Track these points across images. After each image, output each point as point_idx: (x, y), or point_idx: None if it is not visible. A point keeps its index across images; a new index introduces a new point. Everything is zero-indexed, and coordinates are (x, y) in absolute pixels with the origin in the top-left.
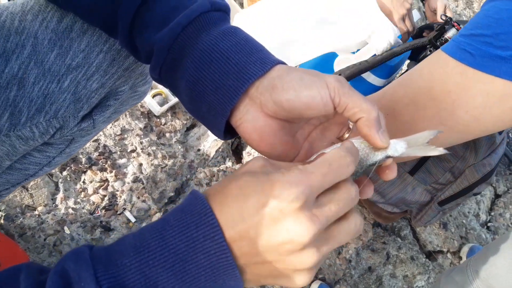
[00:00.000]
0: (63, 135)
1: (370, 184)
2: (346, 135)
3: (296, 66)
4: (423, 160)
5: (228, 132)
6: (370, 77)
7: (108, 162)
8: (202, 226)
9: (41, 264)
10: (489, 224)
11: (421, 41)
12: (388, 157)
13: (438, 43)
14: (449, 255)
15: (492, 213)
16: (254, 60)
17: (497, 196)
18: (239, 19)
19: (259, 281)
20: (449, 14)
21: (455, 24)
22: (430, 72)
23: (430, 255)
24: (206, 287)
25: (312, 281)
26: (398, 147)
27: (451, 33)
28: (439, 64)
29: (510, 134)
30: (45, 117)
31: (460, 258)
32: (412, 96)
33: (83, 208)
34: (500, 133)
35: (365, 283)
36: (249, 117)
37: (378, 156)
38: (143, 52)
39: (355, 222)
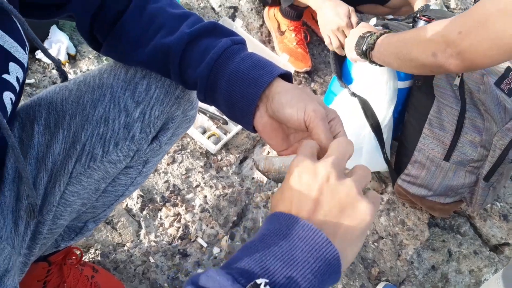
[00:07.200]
0: (139, 157)
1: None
2: None
3: None
4: (454, 143)
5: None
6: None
7: (179, 198)
8: (292, 225)
9: None
10: None
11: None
12: None
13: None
14: None
15: None
16: (265, 73)
17: None
18: None
19: (345, 245)
20: None
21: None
22: None
23: (496, 249)
24: (315, 268)
25: (378, 283)
26: None
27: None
28: None
29: None
30: (126, 143)
31: None
32: (503, 6)
33: (162, 240)
34: (510, 96)
35: (431, 281)
36: (258, 115)
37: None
38: (190, 83)
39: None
